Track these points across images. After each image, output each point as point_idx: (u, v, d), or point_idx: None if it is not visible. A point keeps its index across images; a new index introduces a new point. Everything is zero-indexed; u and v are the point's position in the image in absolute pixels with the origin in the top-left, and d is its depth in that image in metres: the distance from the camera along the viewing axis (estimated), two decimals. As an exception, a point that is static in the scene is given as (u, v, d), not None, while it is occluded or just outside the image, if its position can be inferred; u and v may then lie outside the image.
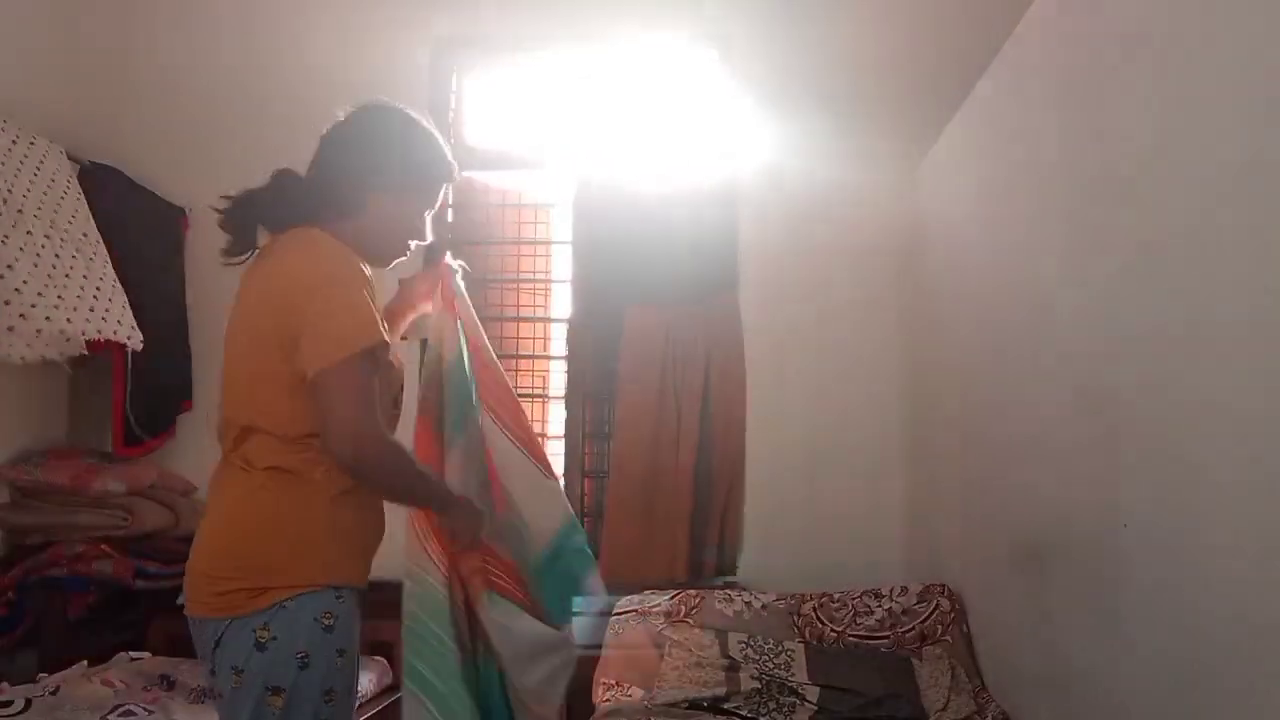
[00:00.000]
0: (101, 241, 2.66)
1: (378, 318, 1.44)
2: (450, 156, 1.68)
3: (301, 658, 1.38)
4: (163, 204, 3.10)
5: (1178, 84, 1.43)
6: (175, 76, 3.34)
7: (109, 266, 2.63)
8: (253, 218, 1.53)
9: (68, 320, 2.39)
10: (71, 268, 2.48)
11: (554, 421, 3.32)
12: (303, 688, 1.39)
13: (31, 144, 2.57)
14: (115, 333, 2.53)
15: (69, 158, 2.73)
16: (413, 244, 1.65)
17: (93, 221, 2.68)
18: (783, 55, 3.23)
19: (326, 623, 1.41)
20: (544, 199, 3.40)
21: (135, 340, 2.60)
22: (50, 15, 2.93)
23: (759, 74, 3.23)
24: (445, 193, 1.71)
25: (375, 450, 1.42)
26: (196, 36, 3.37)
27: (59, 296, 2.39)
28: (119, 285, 2.64)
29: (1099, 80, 1.71)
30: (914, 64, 3.15)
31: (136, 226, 2.96)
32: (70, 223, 2.57)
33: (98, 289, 2.53)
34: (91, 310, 2.48)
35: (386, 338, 1.46)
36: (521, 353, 3.35)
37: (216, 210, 1.53)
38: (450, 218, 3.35)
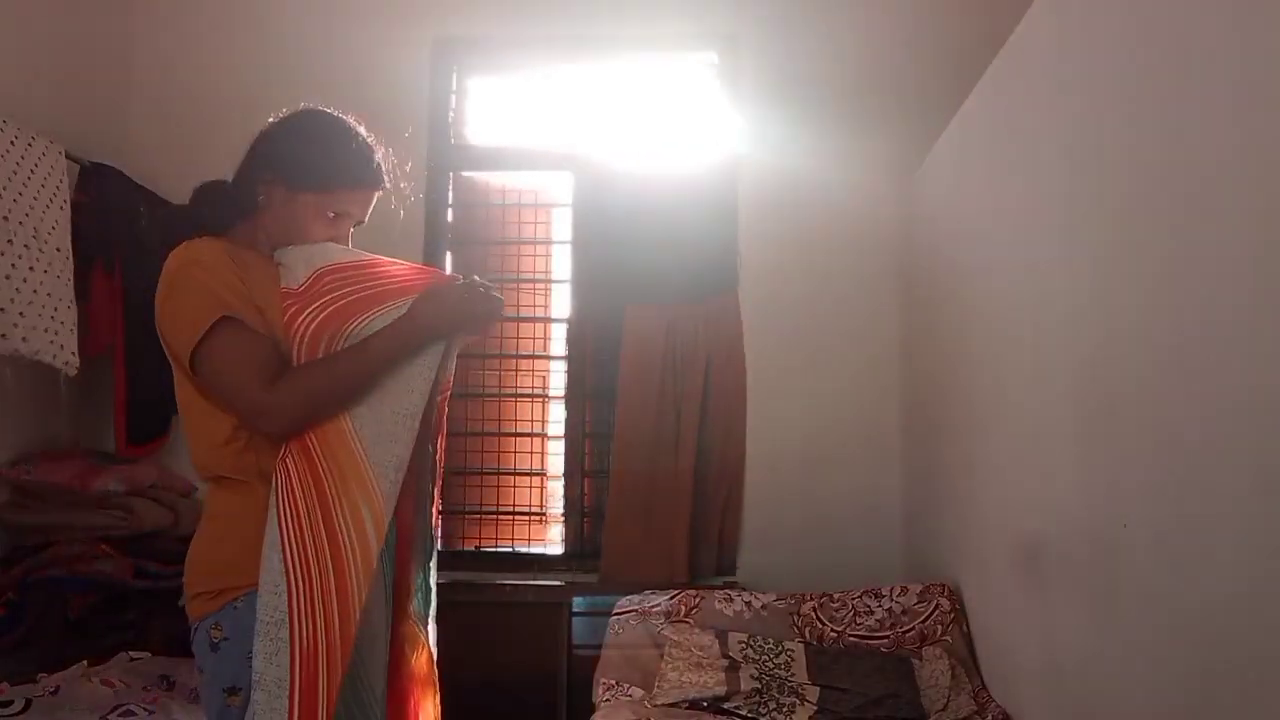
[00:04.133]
0: (71, 256, 2.64)
1: (222, 295, 1.41)
2: (373, 163, 1.57)
3: (253, 657, 1.39)
4: (163, 204, 3.10)
5: (1176, 85, 1.43)
6: (175, 76, 3.34)
7: (69, 285, 2.62)
8: (174, 234, 1.51)
9: (23, 339, 2.39)
10: (40, 283, 2.47)
11: (554, 422, 3.32)
12: None
13: (30, 144, 2.56)
14: (54, 357, 2.51)
15: (69, 158, 2.73)
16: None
17: (70, 235, 2.66)
18: (783, 57, 3.24)
19: None
20: (544, 199, 3.40)
21: (71, 366, 2.58)
22: (50, 15, 2.92)
23: (759, 75, 3.24)
24: (359, 201, 1.57)
25: (281, 411, 1.40)
26: (196, 36, 3.37)
27: (20, 314, 2.39)
28: (73, 305, 2.62)
29: (1097, 82, 1.71)
30: (914, 65, 3.15)
31: (136, 226, 2.95)
32: (50, 234, 2.55)
33: (55, 310, 2.52)
34: (45, 331, 2.47)
35: (233, 313, 1.41)
36: (521, 352, 3.35)
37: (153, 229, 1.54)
38: (450, 218, 3.35)
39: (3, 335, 2.34)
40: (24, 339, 2.40)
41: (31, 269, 2.45)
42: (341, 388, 1.44)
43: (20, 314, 2.40)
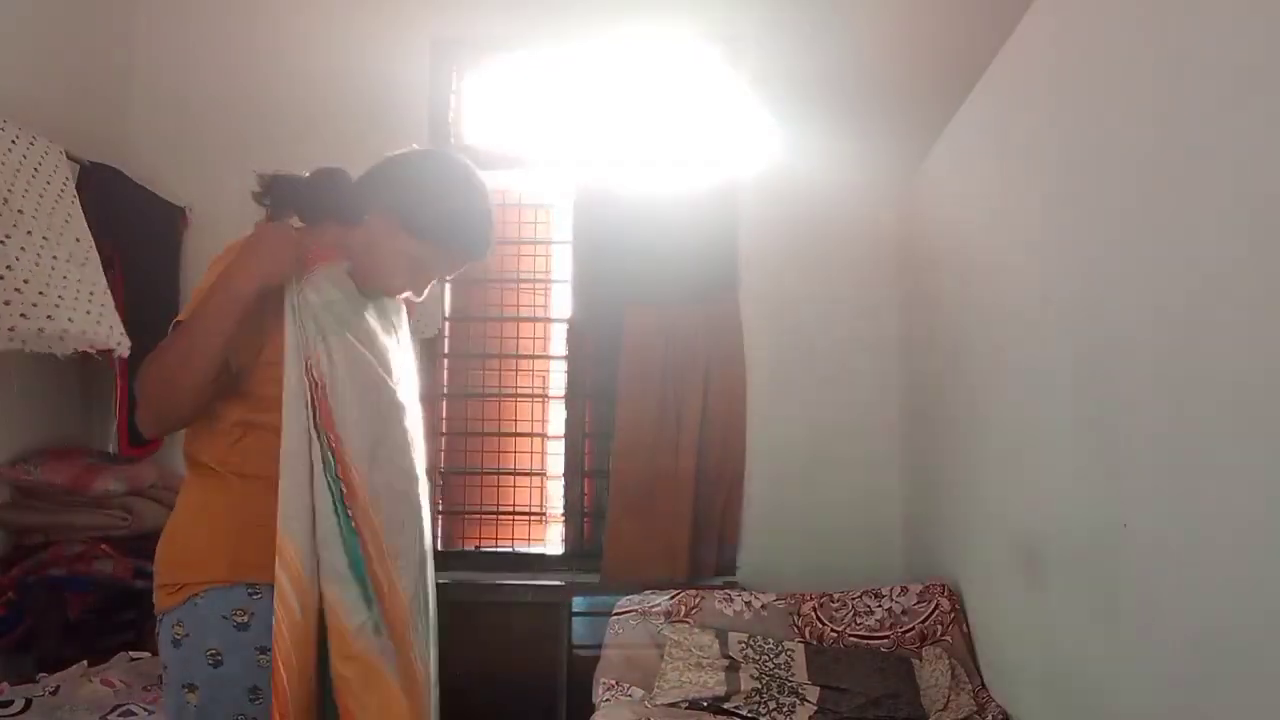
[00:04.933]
0: (94, 247, 2.65)
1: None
2: (486, 240, 1.59)
3: (213, 655, 1.39)
4: (162, 204, 3.10)
5: (1176, 84, 1.43)
6: (175, 76, 3.34)
7: (100, 273, 2.62)
8: (287, 200, 1.53)
9: (69, 320, 2.38)
10: (68, 271, 2.47)
11: (554, 421, 3.32)
12: (218, 686, 1.38)
13: (31, 144, 2.56)
14: (107, 339, 2.51)
15: (69, 158, 2.72)
16: (396, 285, 1.57)
17: (86, 227, 2.66)
18: (784, 56, 3.24)
19: (239, 620, 1.40)
20: (544, 199, 3.40)
21: (124, 347, 2.58)
22: (50, 16, 2.92)
23: (760, 75, 3.24)
24: (460, 267, 1.62)
25: (140, 411, 1.41)
26: (196, 37, 3.37)
27: (59, 296, 2.39)
28: (109, 292, 2.62)
29: (1096, 82, 1.71)
30: (914, 65, 3.15)
31: (136, 226, 2.96)
32: (65, 224, 2.56)
33: (91, 294, 2.52)
34: (88, 313, 2.47)
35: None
36: (521, 353, 3.35)
37: (258, 187, 1.54)
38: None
39: (49, 317, 2.33)
40: (70, 319, 2.39)
41: (56, 257, 2.46)
42: (165, 373, 1.38)
43: (59, 297, 2.39)
